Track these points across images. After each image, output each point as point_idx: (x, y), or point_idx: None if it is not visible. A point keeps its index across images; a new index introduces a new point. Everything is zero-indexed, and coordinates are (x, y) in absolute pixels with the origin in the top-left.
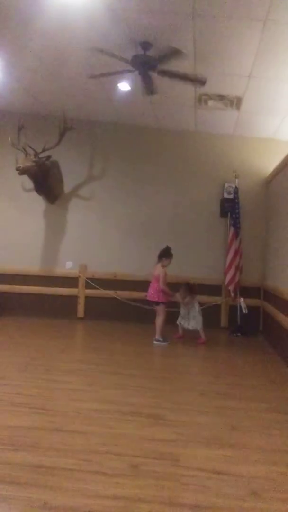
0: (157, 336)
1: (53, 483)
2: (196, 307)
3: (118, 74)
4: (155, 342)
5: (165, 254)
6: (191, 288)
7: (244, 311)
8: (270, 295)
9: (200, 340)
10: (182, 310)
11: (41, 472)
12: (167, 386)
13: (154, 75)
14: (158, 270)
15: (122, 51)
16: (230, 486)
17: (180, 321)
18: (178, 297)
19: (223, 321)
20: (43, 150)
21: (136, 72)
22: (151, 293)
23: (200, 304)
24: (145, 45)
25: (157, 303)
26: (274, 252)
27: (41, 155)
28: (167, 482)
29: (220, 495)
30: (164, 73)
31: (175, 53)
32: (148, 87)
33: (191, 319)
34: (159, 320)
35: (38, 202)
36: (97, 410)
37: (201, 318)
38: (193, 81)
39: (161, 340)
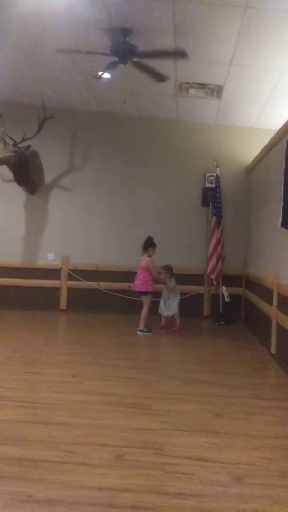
0: (141, 327)
1: (37, 476)
2: (177, 290)
3: (90, 53)
4: (138, 332)
5: (151, 244)
6: (172, 270)
7: (226, 299)
8: (251, 283)
9: (175, 328)
10: (163, 297)
11: (25, 465)
12: (151, 376)
13: (148, 62)
14: (145, 260)
15: (102, 38)
16: (214, 473)
17: (161, 311)
18: (164, 278)
19: (206, 310)
20: (23, 140)
21: (116, 61)
22: (139, 284)
23: (183, 293)
24: (125, 32)
25: (145, 293)
26: (255, 240)
27: (21, 145)
28: (152, 471)
29: (204, 482)
30: (144, 54)
31: (179, 53)
32: (156, 76)
33: (172, 303)
34: (144, 310)
35: (18, 193)
36: (81, 402)
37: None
38: (174, 55)
39: (145, 330)
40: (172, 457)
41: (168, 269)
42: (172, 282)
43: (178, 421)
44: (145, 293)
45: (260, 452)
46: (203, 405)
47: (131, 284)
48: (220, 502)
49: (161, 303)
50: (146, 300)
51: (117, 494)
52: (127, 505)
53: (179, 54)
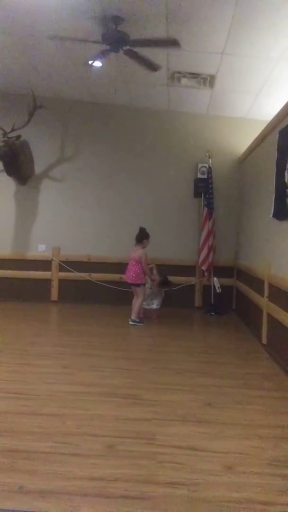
0: (133, 317)
1: (28, 466)
2: (162, 292)
3: (81, 41)
4: (131, 322)
5: (145, 236)
6: (165, 283)
7: (218, 290)
8: (243, 274)
9: (154, 316)
10: (149, 292)
11: (17, 456)
12: (142, 366)
13: (140, 51)
14: (139, 252)
15: (93, 26)
16: (205, 462)
17: (145, 305)
18: (156, 276)
19: (197, 301)
20: (12, 130)
21: (108, 49)
22: (132, 276)
23: (175, 284)
24: (117, 20)
25: (138, 285)
26: (247, 231)
27: (10, 135)
28: (143, 461)
29: (195, 471)
30: (136, 43)
31: (171, 42)
32: (148, 65)
33: (157, 297)
34: (138, 301)
35: (8, 183)
36: (72, 393)
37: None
38: (166, 44)
39: (137, 321)
40: (163, 447)
41: (164, 279)
42: (156, 288)
43: (170, 411)
44: (138, 284)
45: (251, 441)
46: (194, 395)
47: (122, 275)
48: (212, 490)
49: (147, 295)
50: (140, 292)
51: (109, 484)
52: (119, 495)
53: (171, 43)
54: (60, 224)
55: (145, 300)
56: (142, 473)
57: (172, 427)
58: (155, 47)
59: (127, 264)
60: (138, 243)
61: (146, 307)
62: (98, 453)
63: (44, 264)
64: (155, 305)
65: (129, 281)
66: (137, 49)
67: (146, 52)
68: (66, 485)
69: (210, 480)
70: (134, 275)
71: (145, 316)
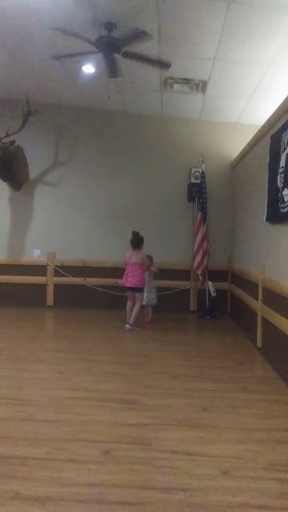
0: (132, 321)
1: (24, 473)
2: (153, 281)
3: (82, 55)
4: (129, 327)
5: (142, 240)
6: (152, 259)
7: (213, 294)
8: (237, 278)
9: (146, 320)
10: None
11: (12, 463)
12: (138, 371)
13: (118, 58)
14: (141, 256)
15: (86, 32)
16: (201, 466)
17: (145, 301)
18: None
19: (192, 305)
20: (7, 135)
21: (101, 54)
22: (136, 280)
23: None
24: (109, 26)
25: (140, 290)
26: (241, 235)
27: (5, 140)
28: (140, 466)
29: (192, 476)
30: (128, 55)
31: (140, 35)
32: (112, 69)
33: (148, 293)
34: (138, 306)
35: (2, 189)
36: (68, 398)
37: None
38: (158, 65)
39: (135, 325)
40: (160, 452)
41: (150, 258)
42: (152, 282)
43: (166, 416)
44: (141, 289)
45: (247, 445)
46: (190, 400)
47: (118, 280)
48: (208, 495)
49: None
50: (140, 296)
51: (105, 489)
52: (115, 501)
53: (163, 64)
54: (55, 229)
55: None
56: (139, 479)
57: (168, 432)
58: (146, 63)
59: (122, 268)
60: (135, 247)
61: (147, 303)
62: (95, 458)
63: (40, 269)
64: (155, 300)
65: (131, 285)
66: (126, 60)
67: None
68: (63, 491)
69: (206, 485)
70: (137, 279)
71: (149, 322)
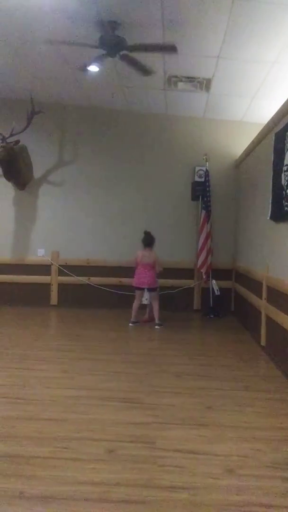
0: (158, 320)
1: (29, 472)
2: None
3: (78, 45)
4: (157, 327)
5: (154, 240)
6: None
7: (217, 293)
8: (241, 277)
9: (144, 318)
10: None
11: (17, 462)
12: (142, 370)
13: (137, 55)
14: (153, 256)
15: (89, 31)
16: (205, 465)
17: (145, 301)
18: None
19: (196, 303)
20: (11, 135)
21: (105, 54)
22: (150, 281)
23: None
24: (113, 24)
25: (155, 289)
26: (245, 234)
27: (9, 140)
28: (144, 465)
29: (196, 475)
30: (134, 48)
31: (170, 50)
32: (141, 69)
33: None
34: (157, 305)
35: (7, 188)
36: (72, 397)
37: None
38: (163, 49)
39: (161, 323)
40: (163, 451)
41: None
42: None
43: (169, 415)
44: (156, 288)
45: (251, 444)
46: (194, 398)
47: (122, 279)
48: (212, 494)
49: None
50: (157, 295)
51: (109, 488)
52: (120, 500)
53: (168, 48)
54: (59, 229)
55: (144, 295)
56: (143, 477)
57: (172, 431)
58: (152, 52)
59: (126, 267)
60: (147, 246)
61: (145, 302)
62: (99, 457)
63: (44, 269)
64: (145, 300)
65: (145, 286)
66: (134, 54)
67: (143, 56)
68: (67, 490)
69: (210, 484)
70: (152, 280)
71: (148, 320)
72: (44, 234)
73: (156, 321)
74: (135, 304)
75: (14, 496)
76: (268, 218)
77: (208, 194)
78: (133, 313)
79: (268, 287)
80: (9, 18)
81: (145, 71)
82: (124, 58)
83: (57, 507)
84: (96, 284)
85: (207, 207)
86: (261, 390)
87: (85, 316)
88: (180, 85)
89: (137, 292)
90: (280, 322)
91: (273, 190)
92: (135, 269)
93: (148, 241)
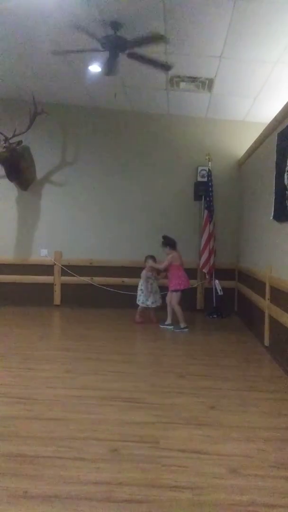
0: (183, 324)
1: (33, 471)
2: (156, 282)
3: (84, 52)
4: (185, 329)
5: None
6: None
7: (219, 293)
8: (244, 277)
9: (154, 319)
10: (143, 288)
11: (21, 461)
12: (145, 370)
13: (123, 57)
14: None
15: (92, 31)
16: (209, 465)
17: (145, 303)
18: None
19: (199, 303)
20: (14, 135)
21: (106, 53)
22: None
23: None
24: (116, 25)
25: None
26: (248, 234)
27: (12, 141)
28: (148, 465)
29: (200, 475)
30: (133, 56)
31: (155, 37)
32: (109, 67)
33: (153, 294)
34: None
35: (10, 189)
36: (75, 397)
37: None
38: (160, 67)
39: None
40: (167, 450)
41: (154, 258)
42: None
43: (173, 414)
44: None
45: (255, 444)
46: (197, 398)
47: (125, 279)
48: (216, 494)
49: (142, 291)
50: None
51: (113, 488)
52: (123, 499)
53: (165, 66)
54: (62, 229)
55: (149, 299)
56: (146, 477)
57: (175, 431)
58: (148, 65)
59: (129, 267)
60: (174, 248)
61: (152, 305)
62: (102, 457)
63: (47, 269)
64: (160, 301)
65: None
66: (143, 53)
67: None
68: (71, 489)
69: (214, 483)
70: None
71: (143, 322)
72: (47, 234)
73: (181, 325)
74: (180, 307)
75: (18, 495)
76: (271, 218)
77: (210, 194)
78: (183, 317)
79: (272, 287)
80: (11, 18)
81: (163, 66)
82: (133, 56)
83: (60, 506)
84: (99, 284)
85: (209, 207)
86: (264, 390)
87: (88, 316)
88: (183, 85)
89: (180, 294)
90: (284, 323)
91: (276, 190)
92: (170, 272)
93: (173, 243)
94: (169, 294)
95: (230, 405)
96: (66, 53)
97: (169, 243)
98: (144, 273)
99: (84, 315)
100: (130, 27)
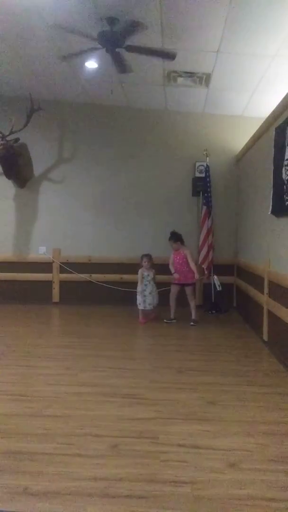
0: (195, 317)
1: (33, 468)
2: (153, 281)
3: (86, 52)
4: (193, 323)
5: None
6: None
7: (218, 288)
8: (243, 272)
9: (154, 316)
10: (139, 289)
11: (21, 458)
12: (144, 366)
13: (123, 53)
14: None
15: (88, 27)
16: (208, 459)
17: (142, 305)
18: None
19: (198, 299)
20: (11, 133)
21: (104, 50)
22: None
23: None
24: (111, 21)
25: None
26: (246, 229)
27: (9, 138)
28: (147, 460)
29: (199, 469)
30: (132, 48)
31: (138, 26)
32: (120, 65)
33: (148, 296)
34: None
35: (7, 186)
36: (75, 394)
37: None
38: (162, 56)
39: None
40: (166, 446)
41: (150, 257)
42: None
43: (172, 410)
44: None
45: (254, 438)
46: (196, 393)
47: (124, 276)
48: (215, 488)
49: (140, 296)
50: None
51: (113, 483)
52: (123, 495)
53: (168, 56)
54: (60, 226)
55: (146, 300)
56: (146, 472)
57: (175, 426)
58: (150, 56)
59: (127, 264)
60: (181, 243)
61: (148, 307)
62: (102, 453)
63: (45, 266)
64: (147, 304)
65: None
66: (138, 44)
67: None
68: (71, 485)
69: (213, 478)
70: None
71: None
72: (45, 231)
73: (194, 317)
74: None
75: (19, 492)
76: (269, 212)
77: (209, 189)
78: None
79: (270, 282)
80: (7, 15)
81: (166, 55)
82: (131, 49)
83: (61, 502)
84: (98, 281)
85: (208, 203)
86: (263, 385)
87: (87, 313)
88: (180, 80)
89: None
90: (282, 317)
91: (274, 185)
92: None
93: (180, 237)
94: (190, 288)
95: (229, 400)
96: (72, 56)
97: (181, 238)
98: (140, 272)
99: (83, 312)
100: (126, 22)
